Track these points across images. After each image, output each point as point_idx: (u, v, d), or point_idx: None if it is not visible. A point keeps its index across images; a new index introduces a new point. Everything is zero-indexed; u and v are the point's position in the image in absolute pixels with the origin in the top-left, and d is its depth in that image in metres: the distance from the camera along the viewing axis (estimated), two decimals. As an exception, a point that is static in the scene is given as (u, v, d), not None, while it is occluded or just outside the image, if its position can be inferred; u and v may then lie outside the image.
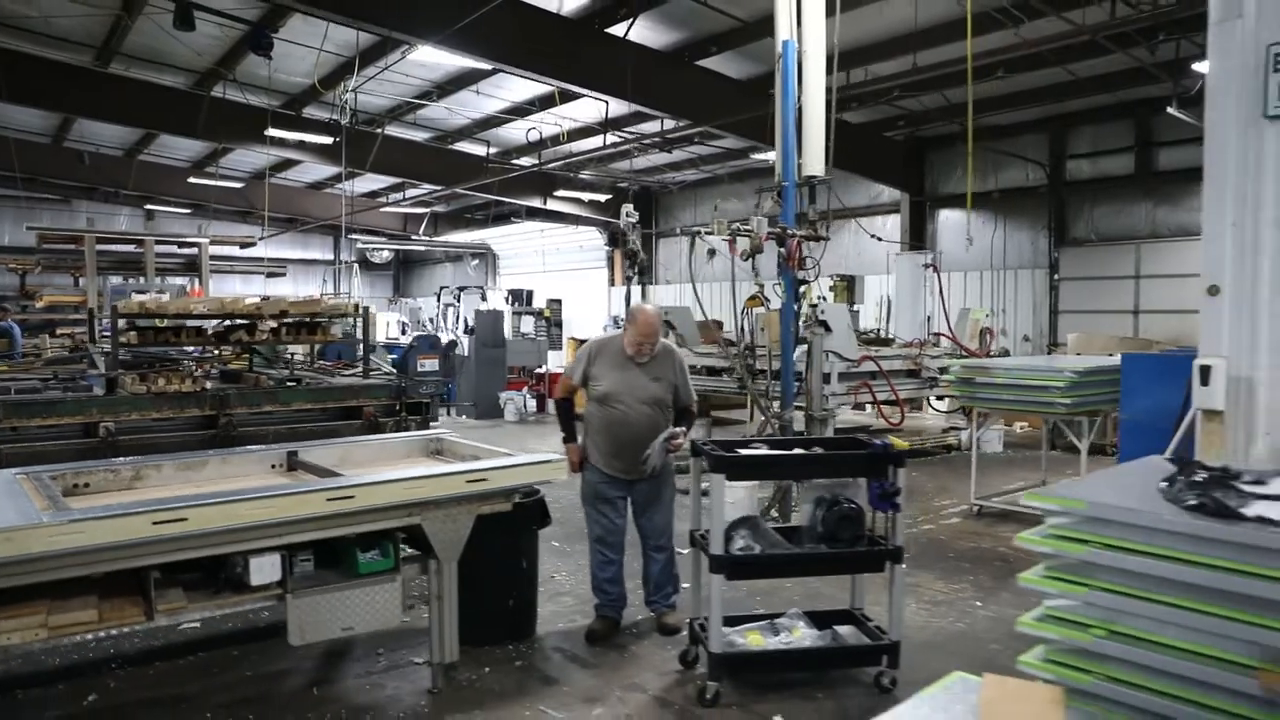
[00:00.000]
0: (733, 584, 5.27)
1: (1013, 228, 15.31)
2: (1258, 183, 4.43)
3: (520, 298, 20.93)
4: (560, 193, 21.34)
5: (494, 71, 13.19)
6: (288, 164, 21.03)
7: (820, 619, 4.24)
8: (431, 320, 25.28)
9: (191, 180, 22.22)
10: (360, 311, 6.87)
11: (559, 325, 18.23)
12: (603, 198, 22.04)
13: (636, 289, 18.73)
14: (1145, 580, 2.39)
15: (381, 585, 3.71)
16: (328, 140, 16.15)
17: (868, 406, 10.49)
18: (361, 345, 7.29)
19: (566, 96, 14.06)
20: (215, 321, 6.18)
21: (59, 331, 14.97)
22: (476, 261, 31.29)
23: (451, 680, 4.02)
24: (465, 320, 18.35)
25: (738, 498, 5.51)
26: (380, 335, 21.51)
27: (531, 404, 15.38)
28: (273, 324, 6.14)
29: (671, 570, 4.77)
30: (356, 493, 3.57)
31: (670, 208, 23.35)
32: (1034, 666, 2.60)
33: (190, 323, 6.09)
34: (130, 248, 17.08)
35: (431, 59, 12.23)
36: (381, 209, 26.27)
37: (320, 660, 4.29)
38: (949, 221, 16.28)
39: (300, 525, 3.43)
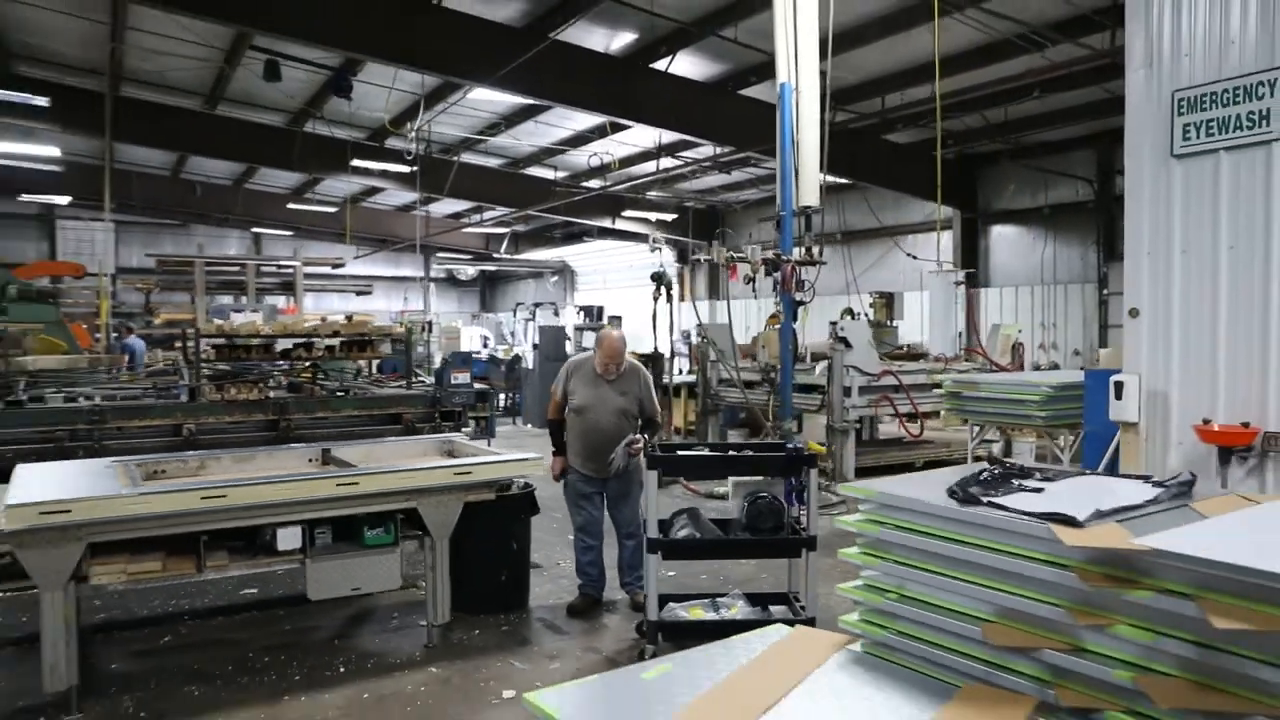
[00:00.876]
0: (699, 571, 6.02)
1: (1063, 243, 15.44)
2: (1168, 215, 4.98)
3: (590, 313, 21.93)
4: (628, 213, 22.30)
5: (552, 105, 14.21)
6: (375, 190, 22.60)
7: (759, 599, 4.93)
8: (511, 334, 26.60)
9: (290, 206, 24.10)
10: (406, 330, 7.88)
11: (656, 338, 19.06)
12: (669, 216, 22.88)
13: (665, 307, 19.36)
14: (920, 554, 3.05)
15: (384, 555, 4.61)
16: (406, 169, 17.50)
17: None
18: (406, 359, 8.28)
19: (619, 125, 14.96)
20: (285, 340, 7.28)
21: (175, 345, 16.70)
22: (556, 278, 32.59)
23: (445, 638, 4.87)
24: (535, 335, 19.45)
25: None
26: (464, 348, 22.90)
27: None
28: (328, 342, 7.21)
29: (640, 555, 5.53)
30: (361, 480, 4.49)
31: (736, 225, 24.01)
32: (851, 625, 3.26)
33: (259, 341, 7.18)
34: (235, 269, 18.77)
35: (495, 95, 13.34)
36: (463, 229, 27.79)
37: (345, 620, 5.23)
38: (1001, 237, 16.48)
39: (316, 504, 4.36)
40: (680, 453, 4.70)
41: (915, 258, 12.21)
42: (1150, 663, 2.30)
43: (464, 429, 7.35)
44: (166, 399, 6.61)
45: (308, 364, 7.45)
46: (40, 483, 4.13)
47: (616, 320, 20.00)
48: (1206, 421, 4.65)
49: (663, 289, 9.66)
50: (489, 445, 6.73)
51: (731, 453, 4.76)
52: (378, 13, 10.30)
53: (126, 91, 14.81)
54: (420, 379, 8.12)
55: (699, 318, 11.46)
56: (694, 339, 13.07)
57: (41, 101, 13.95)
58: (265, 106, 15.59)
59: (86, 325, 14.42)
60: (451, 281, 36.09)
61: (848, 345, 9.86)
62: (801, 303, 7.94)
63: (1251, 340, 4.62)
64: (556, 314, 23.61)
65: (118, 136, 15.02)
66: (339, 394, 6.98)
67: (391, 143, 17.33)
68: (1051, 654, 2.51)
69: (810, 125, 7.65)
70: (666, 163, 16.69)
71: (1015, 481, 3.25)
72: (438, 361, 17.81)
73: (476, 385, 11.76)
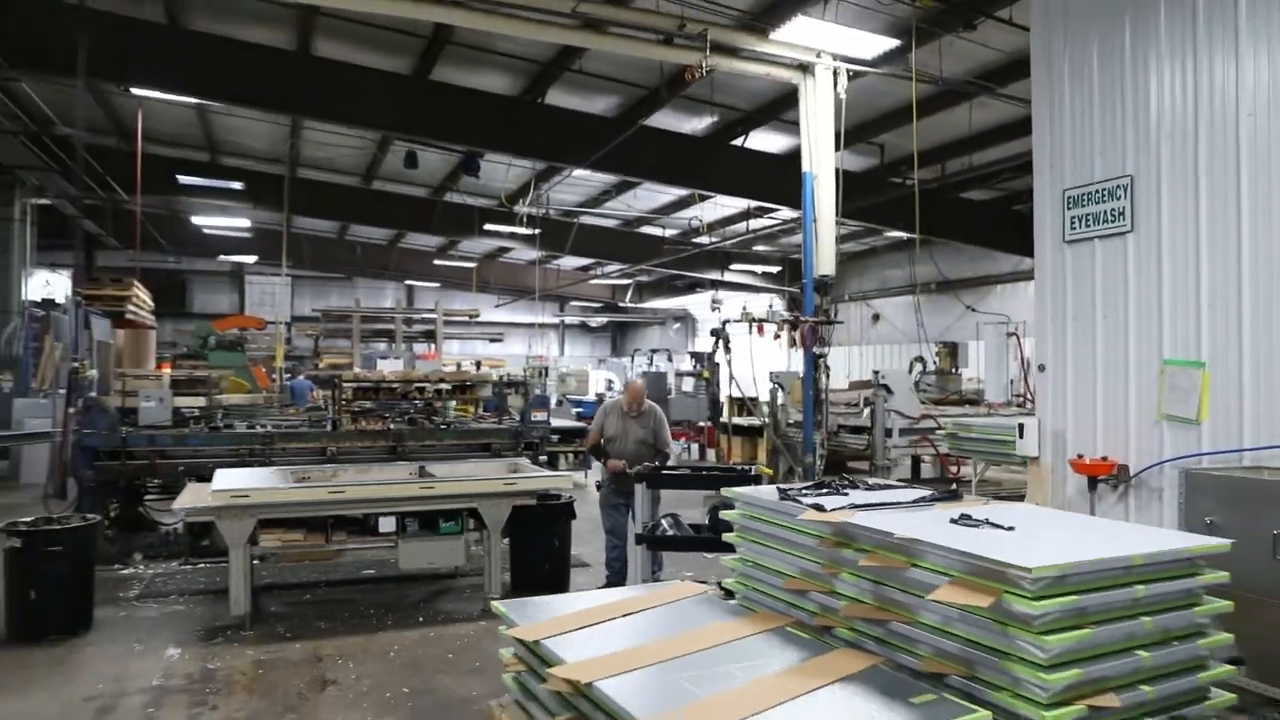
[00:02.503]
0: (686, 564, 7.48)
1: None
2: (1063, 290, 6.29)
3: (701, 359, 23.60)
4: (735, 266, 23.93)
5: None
6: (506, 248, 25.24)
7: (734, 587, 6.40)
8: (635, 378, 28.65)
9: (436, 262, 27.13)
10: (499, 379, 9.81)
11: (718, 385, 20.60)
12: (774, 269, 24.35)
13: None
14: (762, 534, 4.51)
15: (452, 540, 6.43)
16: (528, 231, 19.86)
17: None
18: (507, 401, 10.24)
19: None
20: (404, 384, 9.37)
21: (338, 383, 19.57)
22: (678, 325, 34.49)
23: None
24: (645, 378, 21.30)
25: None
26: (592, 390, 25.09)
27: (694, 451, 17.84)
28: (438, 386, 9.24)
29: (659, 559, 7.10)
30: (437, 486, 6.34)
31: (841, 276, 25.08)
32: (729, 585, 4.75)
33: (386, 385, 9.28)
34: (386, 319, 21.65)
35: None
36: (590, 280, 30.18)
37: (430, 593, 7.07)
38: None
39: (405, 501, 6.24)
40: (664, 472, 6.28)
41: (974, 309, 13.17)
42: (856, 595, 3.75)
43: (541, 457, 9.17)
44: (317, 428, 8.78)
45: (420, 404, 9.50)
46: (231, 480, 6.20)
47: (715, 366, 21.53)
48: (1080, 456, 5.85)
49: (721, 342, 11.19)
50: (543, 468, 8.48)
51: (702, 472, 6.30)
52: (493, 113, 12.50)
53: (301, 174, 17.84)
54: (510, 416, 9.97)
55: (787, 364, 12.93)
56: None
57: (237, 185, 17.17)
58: (410, 182, 18.30)
59: (265, 368, 17.30)
60: (584, 328, 38.72)
61: (889, 391, 11.09)
62: (821, 355, 9.27)
63: (1117, 391, 5.79)
64: (669, 359, 25.43)
65: (294, 210, 18.06)
66: (441, 426, 8.96)
67: (518, 208, 19.76)
68: (817, 595, 3.97)
69: (827, 207, 9.12)
70: (757, 223, 18.29)
71: (835, 489, 4.67)
72: (554, 402, 19.93)
73: (565, 422, 13.68)
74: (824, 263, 9.12)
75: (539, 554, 7.12)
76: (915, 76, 9.41)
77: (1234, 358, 5.08)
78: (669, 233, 21.80)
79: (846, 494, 4.47)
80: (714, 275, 24.49)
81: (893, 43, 8.64)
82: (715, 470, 6.37)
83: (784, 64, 9.15)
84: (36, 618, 5.68)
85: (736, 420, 13.26)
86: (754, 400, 12.91)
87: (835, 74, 9.13)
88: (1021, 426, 6.32)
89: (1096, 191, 5.93)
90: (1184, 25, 5.39)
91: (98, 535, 6.54)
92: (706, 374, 21.22)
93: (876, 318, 22.87)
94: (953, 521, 3.67)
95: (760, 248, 23.36)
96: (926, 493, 4.37)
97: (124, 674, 5.11)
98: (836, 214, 9.17)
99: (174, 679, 5.05)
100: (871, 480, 5.08)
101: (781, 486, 4.57)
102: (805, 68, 9.12)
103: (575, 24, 8.18)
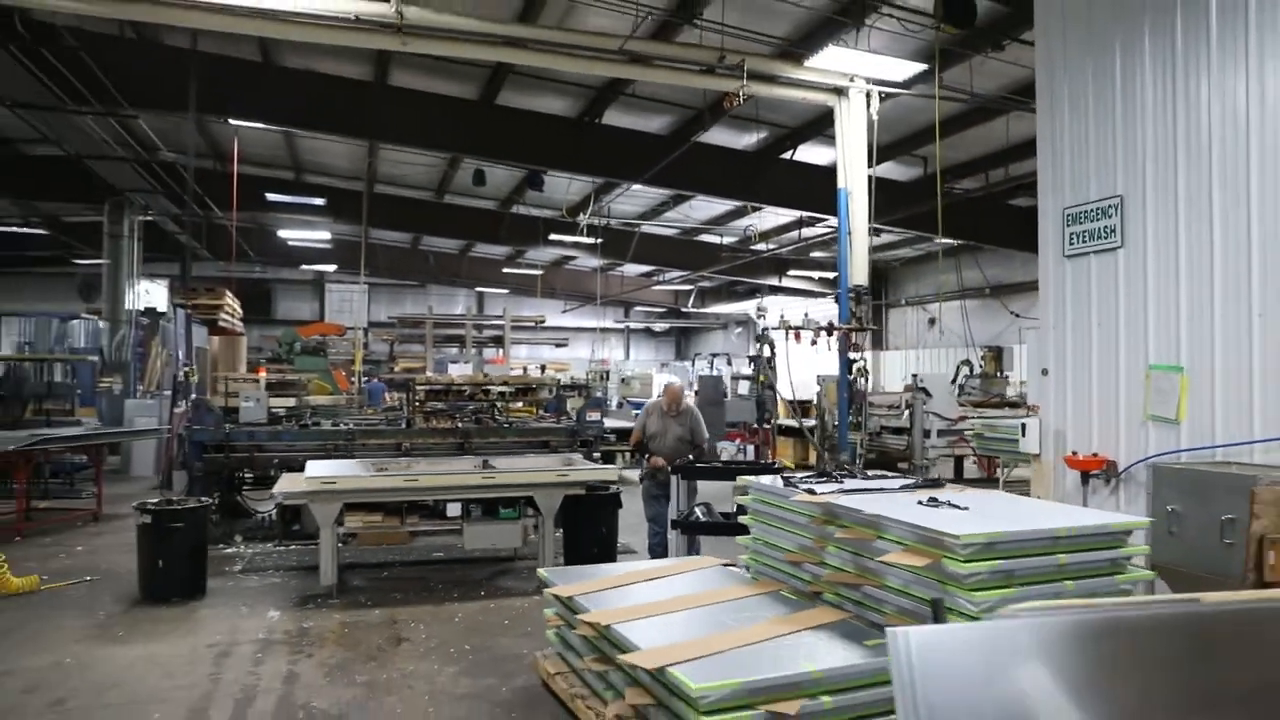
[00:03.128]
0: (731, 550, 8.14)
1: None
2: (1063, 300, 6.84)
3: (766, 362, 24.18)
4: (792, 272, 24.45)
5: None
6: (571, 257, 26.23)
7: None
8: (690, 382, 29.36)
9: (505, 270, 28.29)
10: (556, 382, 10.66)
11: (771, 388, 21.13)
12: (832, 274, 24.76)
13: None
14: (769, 515, 5.21)
15: (511, 525, 7.28)
16: (592, 241, 20.77)
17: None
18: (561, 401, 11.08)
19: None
20: (470, 387, 10.30)
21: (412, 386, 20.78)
22: (740, 329, 35.03)
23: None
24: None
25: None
26: (654, 393, 25.95)
27: (749, 452, 18.47)
28: (500, 389, 10.14)
29: (696, 542, 7.83)
30: (497, 477, 7.19)
31: (898, 281, 25.48)
32: (745, 559, 5.46)
33: (455, 387, 10.22)
34: (457, 325, 22.77)
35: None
36: (653, 286, 30.98)
37: (493, 572, 7.92)
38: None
39: (470, 489, 7.11)
40: (696, 465, 7.02)
41: (1018, 315, 13.51)
42: (840, 565, 4.44)
43: (595, 454, 9.98)
44: (393, 426, 9.76)
45: (485, 405, 10.42)
46: (321, 469, 7.16)
47: (771, 369, 22.07)
48: (1074, 453, 6.38)
49: (767, 347, 11.85)
50: (596, 464, 9.26)
51: (730, 466, 7.01)
52: (554, 134, 13.40)
53: (378, 190, 19.08)
54: (568, 416, 10.81)
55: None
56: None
57: (319, 202, 18.47)
58: (479, 196, 19.39)
59: (345, 372, 18.55)
60: (649, 332, 39.58)
61: (928, 394, 11.59)
62: (854, 361, 9.86)
63: (1109, 394, 6.31)
64: (729, 363, 26.04)
65: (371, 223, 19.30)
66: (504, 425, 9.85)
67: (580, 219, 20.69)
68: (809, 565, 4.67)
69: (861, 221, 9.73)
70: (811, 231, 18.84)
71: (833, 477, 5.35)
72: (614, 404, 20.78)
73: (624, 423, 14.47)
74: (858, 273, 9.72)
75: (589, 539, 7.91)
76: (946, 96, 9.94)
77: (1206, 365, 5.57)
78: (727, 240, 22.47)
79: (841, 482, 5.16)
80: (772, 281, 25.06)
81: (920, 67, 9.23)
82: (742, 464, 7.08)
83: (819, 88, 9.79)
84: (162, 583, 6.72)
85: (788, 422, 13.83)
86: (802, 403, 13.51)
87: (868, 96, 9.73)
88: (1024, 426, 6.87)
89: (1091, 210, 6.46)
90: (1165, 55, 5.90)
91: (209, 516, 7.57)
92: (763, 377, 21.94)
93: (933, 322, 23.11)
94: (919, 503, 4.33)
95: (817, 254, 23.82)
96: (911, 481, 5.03)
97: (235, 629, 6.08)
98: (870, 224, 9.74)
99: (276, 634, 5.99)
100: (871, 472, 5.74)
101: (786, 475, 5.27)
102: (839, 91, 9.75)
103: (623, 59, 8.98)
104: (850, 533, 4.22)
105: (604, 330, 36.63)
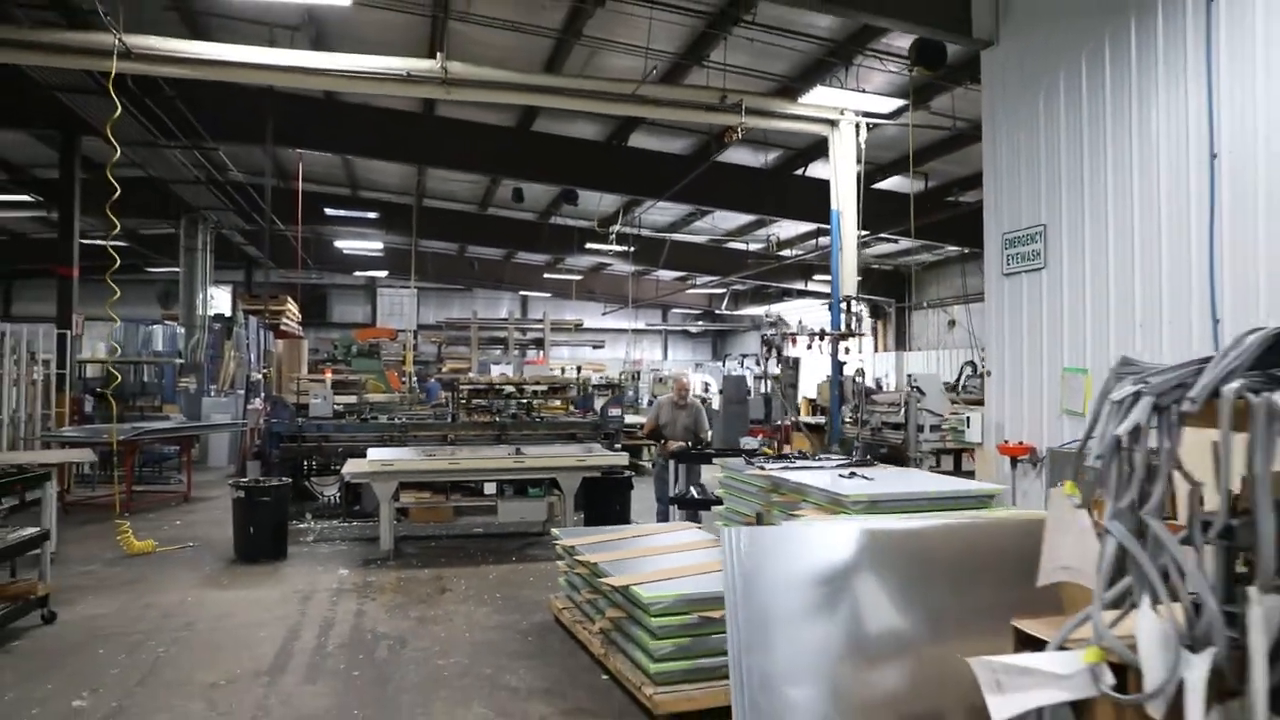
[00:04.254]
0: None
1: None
2: (1002, 313, 8.00)
3: (787, 363, 25.34)
4: (817, 277, 25.54)
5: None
6: (606, 264, 27.63)
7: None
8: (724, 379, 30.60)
9: (546, 275, 29.80)
10: (583, 381, 12.03)
11: (794, 387, 22.32)
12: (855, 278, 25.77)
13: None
14: (733, 488, 6.48)
15: (538, 502, 8.67)
16: (625, 249, 22.12)
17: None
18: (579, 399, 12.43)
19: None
20: (508, 386, 11.72)
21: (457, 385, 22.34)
22: (771, 330, 36.17)
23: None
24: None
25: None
26: (691, 393, 27.33)
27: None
28: (534, 388, 11.53)
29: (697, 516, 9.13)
30: (526, 462, 8.58)
31: (921, 284, 26.41)
32: (719, 523, 6.74)
33: (494, 386, 11.64)
34: (500, 329, 24.24)
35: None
36: (687, 290, 32.26)
37: (524, 544, 9.28)
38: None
39: (503, 472, 8.52)
40: (691, 451, 8.34)
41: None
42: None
43: (616, 445, 11.32)
44: (440, 420, 11.22)
45: (521, 402, 11.83)
46: (380, 455, 8.62)
47: (794, 370, 23.24)
48: (1005, 441, 7.56)
49: (772, 350, 13.10)
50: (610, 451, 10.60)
51: (719, 451, 8.32)
52: (585, 157, 14.80)
53: (426, 204, 20.67)
54: (593, 413, 12.17)
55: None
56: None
57: (372, 215, 20.11)
58: (519, 209, 20.88)
59: (397, 372, 20.18)
60: (685, 334, 40.88)
61: (922, 393, 12.70)
62: (843, 363, 11.04)
63: (1036, 391, 7.47)
64: (758, 363, 27.25)
65: (420, 234, 20.92)
66: (536, 419, 11.25)
67: (613, 229, 22.07)
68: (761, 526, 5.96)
69: (850, 238, 10.93)
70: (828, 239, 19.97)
71: (789, 460, 6.62)
72: (644, 401, 22.12)
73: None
74: (848, 284, 10.92)
75: (604, 516, 9.23)
76: (926, 125, 11.07)
77: (1105, 366, 6.70)
78: (753, 246, 23.67)
79: (794, 462, 6.44)
80: (799, 285, 26.16)
81: (901, 102, 10.40)
82: (728, 450, 8.36)
83: (812, 120, 11.01)
84: (252, 547, 8.22)
85: (810, 419, 15.01)
86: (810, 401, 14.70)
87: (857, 127, 10.92)
88: (969, 419, 8.05)
89: (1023, 235, 7.62)
90: (1076, 104, 7.04)
91: (288, 493, 9.08)
92: (774, 379, 23.13)
93: (952, 323, 24.04)
94: (840, 475, 5.60)
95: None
96: (845, 460, 6.29)
97: (313, 582, 7.54)
98: (872, 234, 10.92)
99: (346, 585, 7.43)
100: (823, 455, 6.99)
101: (749, 457, 6.56)
102: (831, 122, 10.96)
103: (636, 102, 10.29)
104: (784, 497, 5.50)
105: (640, 332, 38.01)
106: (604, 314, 33.91)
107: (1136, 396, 2.26)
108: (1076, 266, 7.06)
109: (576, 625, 5.68)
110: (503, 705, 4.76)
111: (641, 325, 38.23)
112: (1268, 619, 1.90)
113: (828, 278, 25.52)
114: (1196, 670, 1.92)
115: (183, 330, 19.09)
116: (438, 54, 9.30)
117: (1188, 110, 6.08)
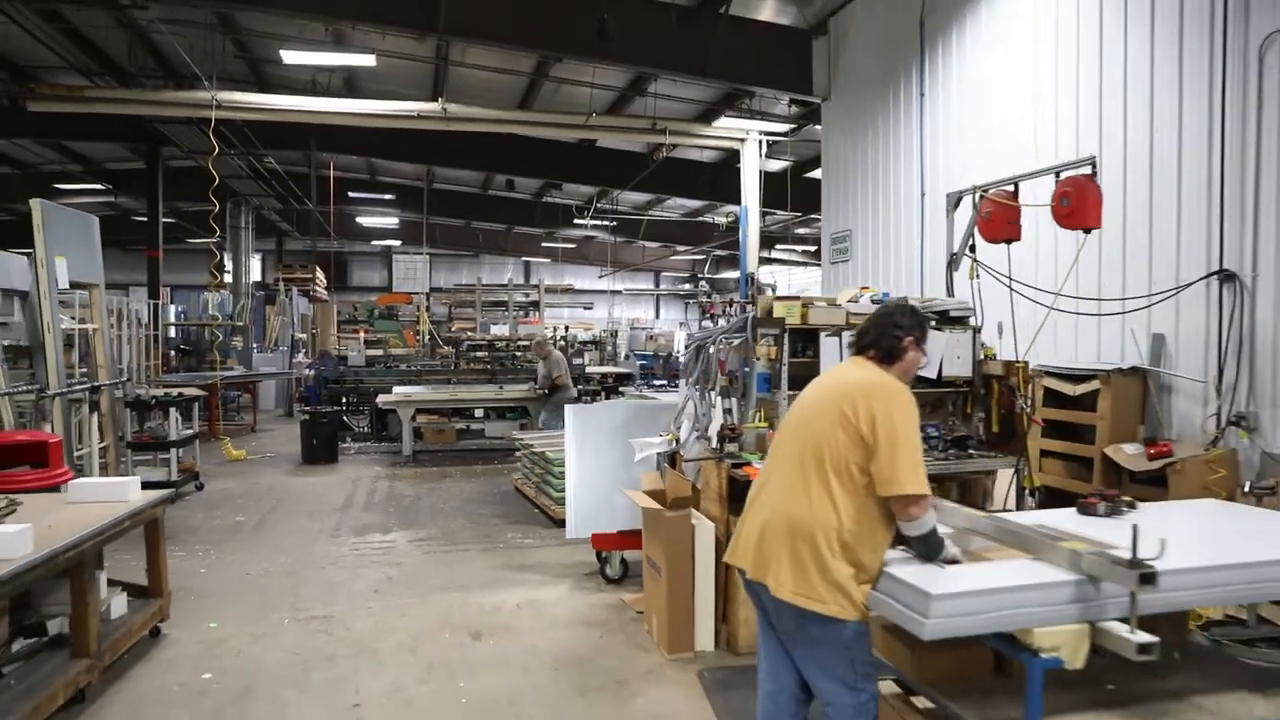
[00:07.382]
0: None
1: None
2: (833, 291, 11.36)
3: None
4: (780, 246, 28.87)
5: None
6: (594, 236, 31.03)
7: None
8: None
9: (544, 244, 33.24)
10: (563, 338, 15.57)
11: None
12: (813, 248, 29.11)
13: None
14: None
15: (513, 423, 12.28)
16: (607, 223, 25.50)
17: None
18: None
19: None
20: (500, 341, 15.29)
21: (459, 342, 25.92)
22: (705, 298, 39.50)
23: (538, 460, 12.45)
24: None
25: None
26: (677, 348, 30.90)
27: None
28: (521, 343, 15.11)
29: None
30: (504, 393, 12.19)
31: (875, 250, 29.67)
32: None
33: (488, 341, 15.22)
34: (501, 293, 27.67)
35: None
36: (672, 257, 35.63)
37: (506, 456, 12.90)
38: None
39: (487, 402, 12.15)
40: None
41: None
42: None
43: (578, 386, 14.87)
44: (445, 367, 14.85)
45: (510, 354, 15.39)
46: (402, 390, 12.24)
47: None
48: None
49: (704, 312, 16.58)
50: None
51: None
52: (562, 157, 18.18)
53: (436, 187, 24.11)
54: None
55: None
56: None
57: (389, 197, 23.60)
58: (514, 192, 24.28)
59: (413, 331, 23.76)
60: (676, 295, 44.32)
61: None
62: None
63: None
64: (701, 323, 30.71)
65: (431, 211, 24.37)
66: (517, 366, 14.85)
67: (596, 207, 25.47)
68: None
69: (754, 227, 14.32)
70: (784, 214, 23.32)
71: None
72: (622, 355, 25.68)
73: (622, 369, 19.43)
74: (752, 262, 14.34)
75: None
76: (808, 140, 14.39)
77: (876, 327, 10.19)
78: (719, 220, 27.02)
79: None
80: (764, 253, 29.49)
81: (789, 126, 13.73)
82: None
83: (725, 138, 14.34)
84: (315, 453, 11.88)
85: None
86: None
87: (760, 143, 14.25)
88: (809, 364, 11.54)
89: (840, 235, 11.04)
90: (871, 140, 10.40)
91: (339, 418, 12.73)
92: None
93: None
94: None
95: (801, 230, 28.20)
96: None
97: (358, 474, 11.19)
98: (760, 230, 14.32)
99: (380, 477, 11.08)
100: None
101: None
102: (740, 139, 14.29)
103: (587, 129, 13.67)
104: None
105: (633, 293, 41.44)
106: (600, 277, 37.36)
107: (697, 341, 5.80)
108: (868, 261, 10.50)
109: (525, 487, 9.30)
110: (473, 519, 8.41)
111: (634, 287, 41.63)
112: (704, 406, 5.45)
113: (790, 247, 29.03)
114: (687, 429, 5.50)
115: (229, 296, 22.70)
116: (439, 98, 12.70)
117: (912, 158, 9.49)
